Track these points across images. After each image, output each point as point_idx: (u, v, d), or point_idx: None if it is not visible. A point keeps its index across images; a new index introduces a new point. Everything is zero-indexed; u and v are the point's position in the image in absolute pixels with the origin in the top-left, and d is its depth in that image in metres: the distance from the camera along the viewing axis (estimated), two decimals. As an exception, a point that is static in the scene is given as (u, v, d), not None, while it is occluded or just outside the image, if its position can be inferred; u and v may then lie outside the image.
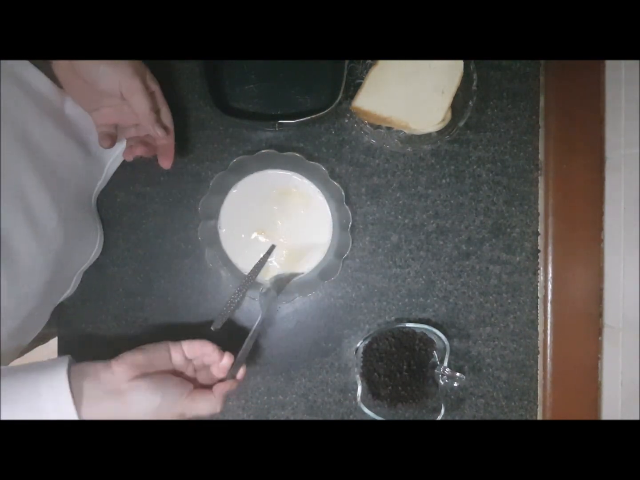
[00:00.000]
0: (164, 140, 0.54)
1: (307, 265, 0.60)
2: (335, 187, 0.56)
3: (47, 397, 0.41)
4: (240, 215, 0.59)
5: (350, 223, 0.56)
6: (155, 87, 0.51)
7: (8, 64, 0.44)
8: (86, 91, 0.49)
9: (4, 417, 0.40)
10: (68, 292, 0.60)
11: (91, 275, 0.61)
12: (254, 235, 0.60)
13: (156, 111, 0.51)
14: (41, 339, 0.60)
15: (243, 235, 0.60)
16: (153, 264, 0.61)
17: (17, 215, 0.44)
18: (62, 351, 0.61)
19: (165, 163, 0.55)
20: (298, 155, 0.55)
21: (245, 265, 0.59)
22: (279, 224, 0.60)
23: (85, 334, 0.61)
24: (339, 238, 0.59)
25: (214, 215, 0.59)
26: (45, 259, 0.49)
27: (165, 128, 0.52)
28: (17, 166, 0.44)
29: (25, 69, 0.46)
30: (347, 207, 0.56)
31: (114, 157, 0.59)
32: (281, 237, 0.60)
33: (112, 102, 0.51)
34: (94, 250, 0.59)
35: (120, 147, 0.58)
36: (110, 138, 0.52)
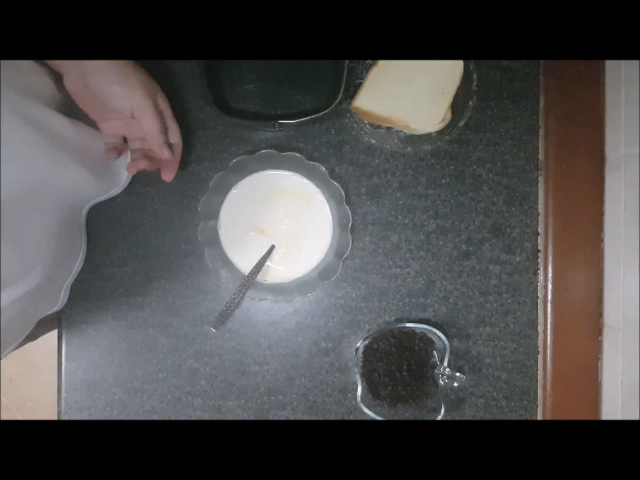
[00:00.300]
0: (170, 158, 0.54)
1: (307, 265, 0.60)
2: (335, 187, 0.56)
3: None
4: (240, 215, 0.59)
5: (350, 223, 0.56)
6: (165, 105, 0.52)
7: (10, 99, 0.43)
8: (97, 105, 0.50)
9: None
10: (57, 307, 0.59)
11: (91, 275, 0.61)
12: (254, 235, 0.60)
13: (165, 129, 0.52)
14: (31, 337, 0.59)
15: (243, 235, 0.60)
16: (153, 264, 0.61)
17: (5, 239, 0.43)
18: (62, 351, 0.61)
19: (168, 176, 0.56)
20: (298, 155, 0.55)
21: (244, 265, 0.59)
22: (279, 224, 0.60)
23: (85, 334, 0.61)
24: (339, 238, 0.59)
25: (214, 215, 0.59)
26: (29, 275, 0.48)
27: (172, 146, 0.54)
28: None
29: (32, 106, 0.45)
30: (347, 207, 0.56)
31: (123, 182, 0.59)
32: (281, 237, 0.60)
33: (121, 117, 0.51)
34: (77, 263, 0.59)
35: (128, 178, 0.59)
36: (117, 150, 0.53)
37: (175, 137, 0.54)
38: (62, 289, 0.59)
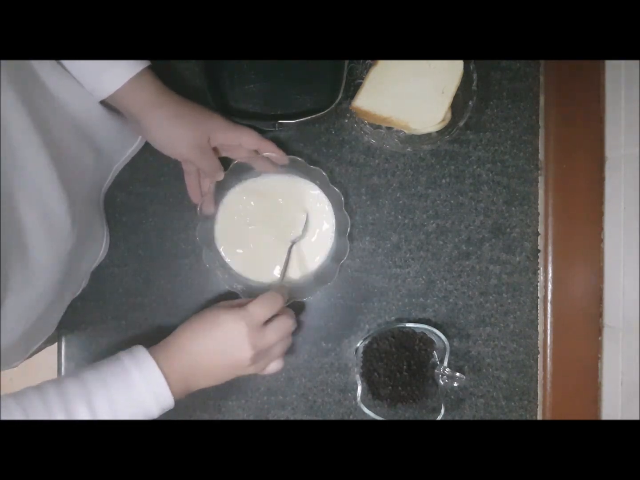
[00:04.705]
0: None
1: (304, 269, 0.59)
2: (335, 192, 0.55)
3: (131, 365, 0.45)
4: (238, 217, 0.59)
5: (348, 229, 0.56)
6: (221, 140, 0.54)
7: (34, 68, 0.44)
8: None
9: (103, 401, 0.43)
10: (77, 293, 0.60)
11: (91, 275, 0.61)
12: (252, 236, 0.59)
13: (219, 167, 0.56)
14: (50, 340, 0.60)
15: (241, 237, 0.59)
16: (153, 264, 0.61)
17: (34, 213, 0.44)
18: (62, 351, 0.61)
19: (197, 199, 0.59)
20: (299, 159, 0.55)
21: (241, 266, 0.59)
22: (277, 226, 0.59)
23: (85, 334, 0.61)
24: (337, 243, 0.58)
25: (213, 216, 0.59)
26: (59, 257, 0.49)
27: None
28: (37, 164, 0.43)
29: (51, 77, 0.46)
30: (346, 213, 0.55)
31: (123, 158, 0.59)
32: (278, 240, 0.59)
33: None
34: (102, 249, 0.60)
35: (129, 149, 0.59)
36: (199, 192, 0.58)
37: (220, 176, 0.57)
38: (85, 275, 0.60)
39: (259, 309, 0.49)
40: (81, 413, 0.41)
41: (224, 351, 0.48)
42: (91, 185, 0.56)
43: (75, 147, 0.50)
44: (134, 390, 0.44)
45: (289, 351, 0.61)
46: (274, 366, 0.52)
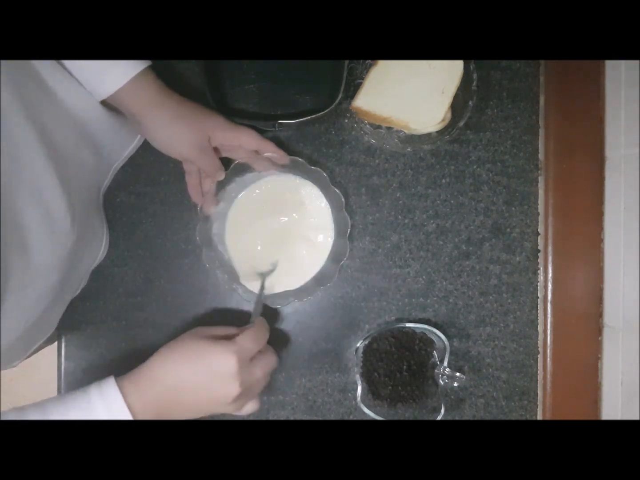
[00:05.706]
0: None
1: (305, 272, 0.59)
2: (336, 193, 0.55)
3: (97, 400, 0.42)
4: (238, 217, 0.59)
5: (348, 230, 0.56)
6: (221, 140, 0.54)
7: (34, 68, 0.44)
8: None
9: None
10: (77, 292, 0.60)
11: (91, 275, 0.61)
12: (251, 237, 0.59)
13: (219, 167, 0.55)
14: (50, 340, 0.60)
15: (240, 237, 0.59)
16: (153, 264, 0.61)
17: (35, 213, 0.44)
18: (62, 351, 0.61)
19: (197, 199, 0.58)
20: (300, 159, 0.55)
21: (242, 267, 0.59)
22: (277, 228, 0.59)
23: (85, 334, 0.61)
24: (336, 244, 0.58)
25: (213, 216, 0.59)
26: (60, 257, 0.49)
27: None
28: (37, 163, 0.44)
29: (51, 77, 0.46)
30: (346, 214, 0.55)
31: (122, 158, 0.59)
32: (278, 241, 0.59)
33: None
34: (102, 249, 0.60)
35: (128, 148, 0.59)
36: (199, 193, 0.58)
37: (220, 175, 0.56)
38: (85, 274, 0.60)
39: (251, 344, 0.46)
40: None
41: (207, 386, 0.44)
42: (90, 185, 0.56)
43: (75, 147, 0.50)
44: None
45: (289, 352, 0.61)
46: (251, 407, 0.48)
